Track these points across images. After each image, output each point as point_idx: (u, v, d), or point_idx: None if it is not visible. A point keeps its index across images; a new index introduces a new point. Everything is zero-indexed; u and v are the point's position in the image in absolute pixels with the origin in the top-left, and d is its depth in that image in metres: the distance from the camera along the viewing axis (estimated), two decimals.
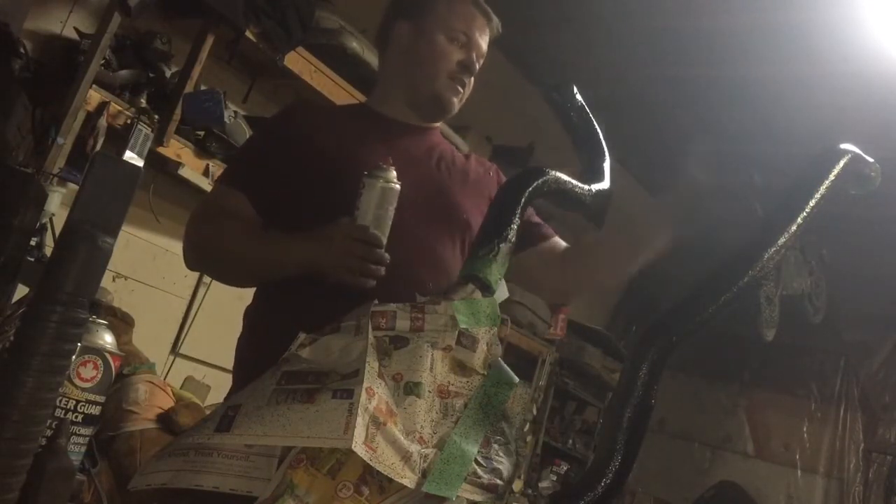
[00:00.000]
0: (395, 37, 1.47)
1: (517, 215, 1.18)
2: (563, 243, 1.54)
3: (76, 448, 1.75)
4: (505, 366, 1.09)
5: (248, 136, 2.56)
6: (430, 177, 1.40)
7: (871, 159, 1.28)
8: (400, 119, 1.46)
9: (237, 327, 1.39)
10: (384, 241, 1.18)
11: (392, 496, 0.94)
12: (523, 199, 1.19)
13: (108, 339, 1.90)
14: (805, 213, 1.18)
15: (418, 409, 0.99)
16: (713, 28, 3.62)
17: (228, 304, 2.79)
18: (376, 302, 1.08)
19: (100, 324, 1.91)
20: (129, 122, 2.41)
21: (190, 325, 2.96)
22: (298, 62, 2.81)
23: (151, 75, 2.54)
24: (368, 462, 0.90)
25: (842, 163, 1.24)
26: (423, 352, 1.03)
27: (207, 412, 1.46)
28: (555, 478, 4.46)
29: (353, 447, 0.88)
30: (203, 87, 2.65)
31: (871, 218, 4.23)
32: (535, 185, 1.22)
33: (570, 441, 4.82)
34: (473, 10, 1.46)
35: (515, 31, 1.52)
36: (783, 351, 5.20)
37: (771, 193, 1.26)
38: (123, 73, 2.44)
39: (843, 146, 1.27)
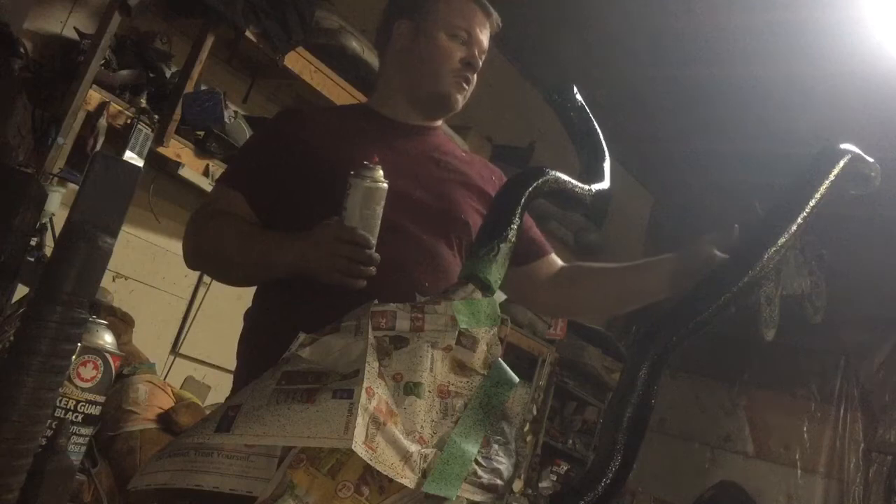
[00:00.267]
0: (395, 36, 1.47)
1: (517, 215, 1.17)
2: (558, 262, 1.53)
3: (76, 448, 1.75)
4: (505, 366, 1.09)
5: (248, 137, 2.55)
6: (430, 177, 1.39)
7: (871, 159, 1.29)
8: (401, 119, 1.46)
9: (237, 327, 1.39)
10: (373, 240, 1.17)
11: (392, 496, 0.94)
12: (523, 199, 1.19)
13: (108, 339, 1.90)
14: (805, 213, 1.18)
15: (418, 409, 0.99)
16: (713, 28, 3.62)
17: (228, 304, 2.79)
18: (376, 302, 1.08)
19: (100, 324, 1.91)
20: (129, 122, 2.41)
21: (190, 325, 2.96)
22: (298, 62, 2.81)
23: (151, 75, 2.54)
24: (368, 462, 0.90)
25: (842, 163, 1.24)
26: (423, 352, 1.03)
27: (207, 412, 1.46)
28: (555, 478, 4.46)
29: (353, 447, 0.88)
30: (203, 87, 2.65)
31: (871, 218, 4.23)
32: (535, 185, 1.22)
33: (570, 441, 4.82)
34: (473, 7, 1.45)
35: (515, 31, 1.52)
36: (783, 351, 5.20)
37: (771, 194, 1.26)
38: (123, 73, 2.44)
39: (843, 146, 1.27)
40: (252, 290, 1.41)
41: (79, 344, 1.62)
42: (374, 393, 0.95)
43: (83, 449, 1.80)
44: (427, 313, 1.06)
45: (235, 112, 2.74)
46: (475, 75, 1.46)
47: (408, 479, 0.92)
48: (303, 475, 0.93)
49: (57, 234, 1.54)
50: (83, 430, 1.77)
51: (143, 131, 2.42)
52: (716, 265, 1.22)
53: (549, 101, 1.52)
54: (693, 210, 5.28)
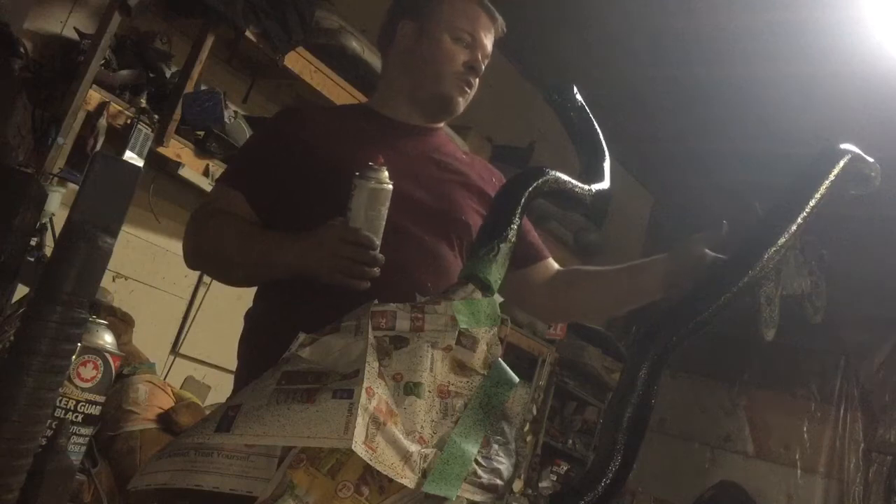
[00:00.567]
0: (398, 37, 1.46)
1: (517, 215, 1.17)
2: (555, 266, 1.53)
3: (76, 448, 1.75)
4: (505, 366, 1.09)
5: (248, 137, 2.55)
6: (431, 179, 1.39)
7: (871, 159, 1.28)
8: (402, 119, 1.45)
9: (237, 327, 1.39)
10: (377, 242, 1.17)
11: (392, 496, 0.94)
12: (523, 199, 1.19)
13: (108, 339, 1.90)
14: (805, 213, 1.18)
15: (418, 409, 0.99)
16: (713, 28, 3.62)
17: (228, 304, 2.79)
18: (376, 302, 1.08)
19: (100, 324, 1.91)
20: (129, 122, 2.41)
21: (190, 325, 2.96)
22: (298, 62, 2.81)
23: (151, 75, 2.54)
24: (368, 462, 0.90)
25: (842, 163, 1.24)
26: (423, 352, 1.03)
27: (207, 412, 1.46)
28: (555, 478, 4.46)
29: (353, 447, 0.88)
30: (203, 87, 2.65)
31: (871, 218, 4.23)
32: (535, 185, 1.22)
33: (570, 441, 4.82)
34: (478, 10, 1.45)
35: (515, 31, 1.52)
36: (783, 351, 5.20)
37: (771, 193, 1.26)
38: (123, 73, 2.44)
39: (843, 146, 1.27)
40: (252, 290, 1.41)
41: (79, 344, 1.62)
42: (374, 393, 0.95)
43: (83, 449, 1.80)
44: (427, 313, 1.06)
45: (235, 112, 2.74)
46: (478, 79, 1.45)
47: (408, 479, 0.92)
48: (303, 475, 0.93)
49: (57, 234, 1.54)
50: (83, 430, 1.77)
51: (143, 131, 2.42)
52: (708, 263, 1.22)
53: (549, 101, 1.52)
54: (693, 210, 5.28)
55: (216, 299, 2.96)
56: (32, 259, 1.78)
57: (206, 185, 2.61)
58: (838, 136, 1.32)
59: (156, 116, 2.48)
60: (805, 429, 5.50)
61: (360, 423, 0.90)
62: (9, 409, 0.98)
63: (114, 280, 2.69)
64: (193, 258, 1.36)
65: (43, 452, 1.39)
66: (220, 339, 2.73)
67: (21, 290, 1.65)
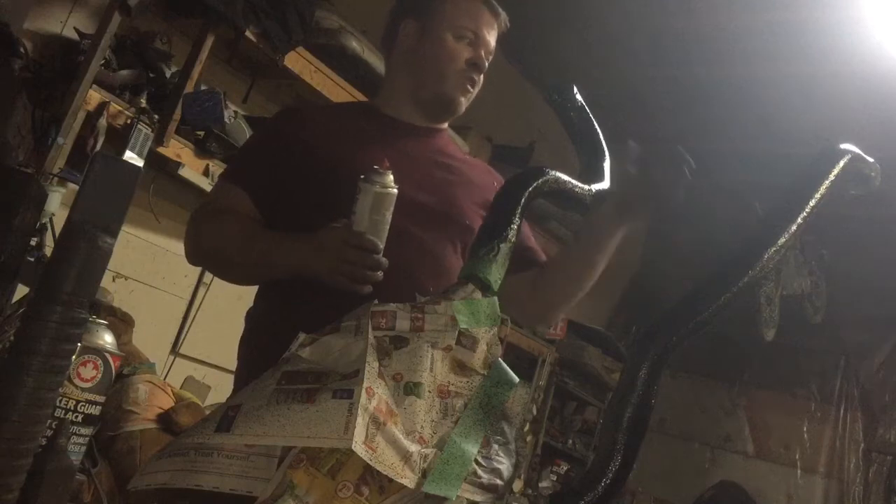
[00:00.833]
0: (401, 37, 1.45)
1: (517, 215, 1.17)
2: None
3: (76, 448, 1.75)
4: (505, 366, 1.09)
5: (248, 137, 2.55)
6: (433, 180, 1.39)
7: (871, 159, 1.28)
8: (406, 120, 1.45)
9: (237, 327, 1.39)
10: (381, 245, 1.16)
11: (392, 496, 0.94)
12: (523, 199, 1.19)
13: (108, 339, 1.90)
14: (805, 213, 1.18)
15: (418, 409, 0.99)
16: (713, 28, 3.62)
17: (228, 304, 2.79)
18: (376, 302, 1.08)
19: (100, 324, 1.91)
20: (129, 122, 2.41)
21: (190, 325, 2.96)
22: (298, 62, 2.81)
23: (151, 75, 2.54)
24: (368, 462, 0.90)
25: (842, 163, 1.24)
26: (423, 352, 1.03)
27: (207, 412, 1.46)
28: (555, 478, 4.46)
29: (353, 447, 0.88)
30: (203, 87, 2.65)
31: (871, 218, 4.23)
32: (535, 185, 1.22)
33: (570, 441, 4.82)
34: (480, 6, 1.44)
35: (515, 31, 1.51)
36: (783, 351, 5.19)
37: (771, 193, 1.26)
38: (123, 73, 2.44)
39: (843, 146, 1.27)
40: (253, 290, 1.41)
41: (79, 344, 1.62)
42: (374, 393, 0.95)
43: (83, 449, 1.80)
44: (427, 313, 1.06)
45: (235, 112, 2.74)
46: (482, 76, 1.45)
47: (408, 479, 0.92)
48: (303, 475, 0.93)
49: (57, 234, 1.54)
50: (83, 430, 1.77)
51: (143, 131, 2.42)
52: (637, 174, 1.22)
53: (549, 101, 1.52)
54: (693, 210, 5.28)
55: (216, 299, 2.96)
56: (32, 259, 1.78)
57: (206, 185, 2.61)
58: (838, 136, 1.32)
59: (156, 116, 2.48)
60: (805, 429, 5.50)
61: (360, 423, 0.90)
62: (9, 409, 0.98)
63: (114, 280, 2.69)
64: (195, 255, 1.36)
65: (43, 452, 1.39)
66: (220, 339, 2.72)
67: (21, 290, 1.65)
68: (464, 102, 1.44)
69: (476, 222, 1.39)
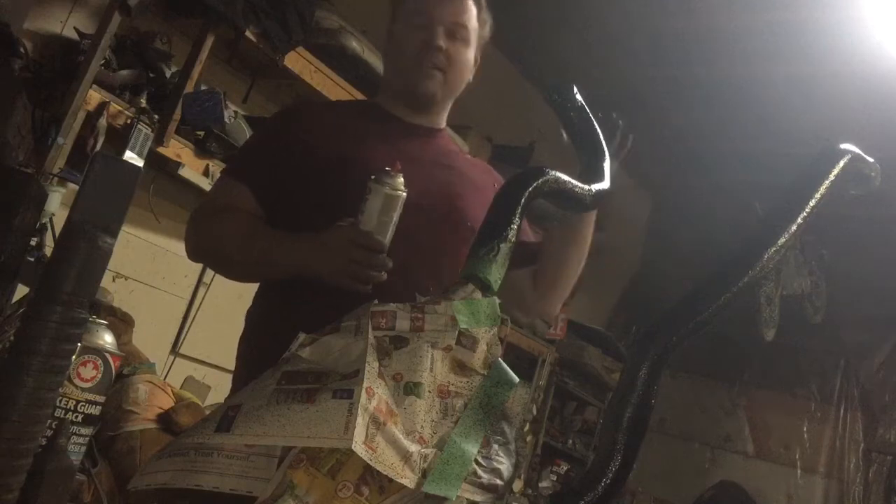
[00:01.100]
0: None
1: (517, 215, 1.17)
2: None
3: (76, 448, 1.75)
4: (505, 366, 1.09)
5: (248, 137, 2.55)
6: (436, 182, 1.39)
7: (870, 159, 1.28)
8: (405, 119, 1.45)
9: (237, 327, 1.39)
10: (387, 245, 1.16)
11: (392, 496, 0.94)
12: (523, 199, 1.19)
13: (108, 339, 1.90)
14: (805, 213, 1.18)
15: (418, 409, 0.99)
16: (713, 28, 3.62)
17: (228, 304, 2.79)
18: (376, 302, 1.08)
19: (100, 324, 1.91)
20: (129, 122, 2.41)
21: (190, 325, 2.96)
22: (298, 62, 2.81)
23: (151, 75, 2.54)
24: (368, 462, 0.90)
25: (842, 163, 1.24)
26: (423, 352, 1.03)
27: (207, 412, 1.46)
28: (555, 478, 4.46)
29: (353, 447, 0.88)
30: (203, 87, 2.65)
31: (871, 218, 4.23)
32: (535, 185, 1.22)
33: (570, 441, 4.82)
34: None
35: (515, 31, 1.51)
36: (783, 351, 5.19)
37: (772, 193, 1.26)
38: (123, 73, 2.45)
39: (843, 146, 1.27)
40: (253, 289, 1.41)
41: (79, 344, 1.62)
42: (374, 393, 0.95)
43: (83, 449, 1.80)
44: (427, 313, 1.06)
45: (235, 112, 2.74)
46: (446, 56, 1.39)
47: (408, 479, 0.92)
48: (303, 475, 0.93)
49: (57, 234, 1.54)
50: (83, 430, 1.77)
51: (143, 131, 2.43)
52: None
53: (549, 101, 1.52)
54: (693, 210, 5.28)
55: (216, 299, 2.96)
56: (32, 259, 1.78)
57: (206, 185, 2.61)
58: (838, 136, 1.32)
59: (156, 116, 2.48)
60: (805, 429, 5.50)
61: (360, 423, 0.90)
62: (9, 409, 0.98)
63: (114, 280, 2.69)
64: (196, 252, 1.36)
65: (43, 452, 1.39)
66: (220, 339, 2.72)
67: (21, 290, 1.65)
68: (434, 86, 1.41)
69: (477, 223, 1.39)
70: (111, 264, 1.35)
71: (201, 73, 2.59)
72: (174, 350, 2.94)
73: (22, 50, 2.23)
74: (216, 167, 2.65)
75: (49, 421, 1.47)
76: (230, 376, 1.38)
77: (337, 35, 2.89)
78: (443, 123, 1.52)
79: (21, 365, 1.00)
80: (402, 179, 1.17)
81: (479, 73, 1.52)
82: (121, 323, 2.34)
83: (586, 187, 1.35)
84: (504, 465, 1.01)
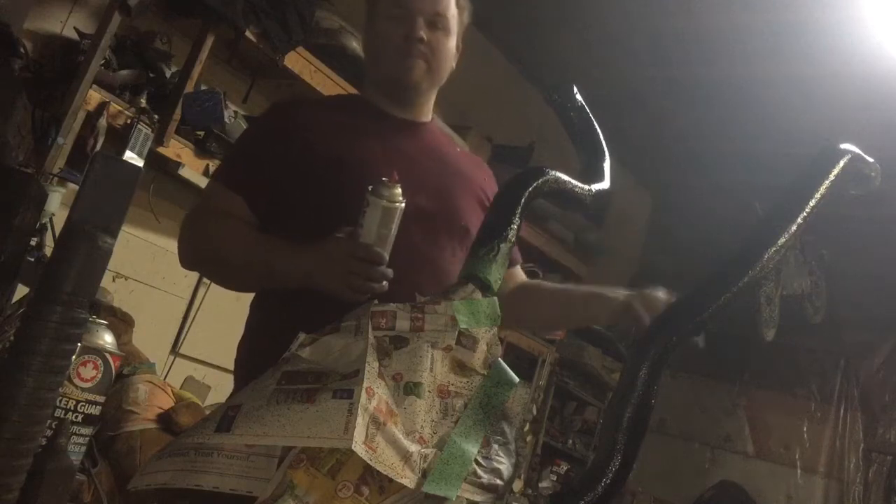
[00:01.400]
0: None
1: (517, 215, 1.18)
2: (521, 275, 1.55)
3: (76, 448, 1.75)
4: (505, 366, 1.09)
5: (241, 133, 2.53)
6: (429, 180, 1.37)
7: (871, 159, 1.29)
8: (393, 113, 1.43)
9: (237, 327, 1.39)
10: (387, 257, 1.15)
11: (392, 496, 0.94)
12: (523, 199, 1.19)
13: (108, 339, 1.90)
14: (805, 213, 1.18)
15: (418, 409, 0.99)
16: (713, 28, 3.62)
17: (228, 304, 2.78)
18: (376, 302, 1.08)
19: (100, 324, 1.91)
20: (129, 122, 2.41)
21: (190, 325, 2.96)
22: (298, 62, 2.81)
23: (151, 75, 2.54)
24: (368, 462, 0.90)
25: (842, 163, 1.24)
26: (423, 352, 1.03)
27: (207, 412, 1.46)
28: (555, 478, 4.46)
29: (353, 447, 0.88)
30: (203, 87, 2.65)
31: (871, 218, 4.23)
32: (535, 184, 1.22)
33: (570, 441, 4.82)
34: None
35: (515, 31, 1.51)
36: (783, 351, 5.19)
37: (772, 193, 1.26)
38: (123, 73, 2.44)
39: (843, 146, 1.27)
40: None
41: (79, 344, 1.62)
42: (374, 393, 0.95)
43: (83, 449, 1.80)
44: (427, 313, 1.06)
45: (235, 112, 2.74)
46: (428, 47, 1.38)
47: (408, 479, 0.92)
48: (303, 475, 0.93)
49: (57, 234, 1.54)
50: (83, 430, 1.77)
51: (143, 131, 2.42)
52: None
53: (549, 101, 1.52)
54: (693, 210, 5.28)
55: (216, 299, 2.96)
56: (32, 259, 1.78)
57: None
58: (838, 136, 1.32)
59: (156, 116, 2.48)
60: (805, 429, 5.50)
61: (360, 423, 0.90)
62: (9, 409, 0.98)
63: (114, 280, 2.69)
64: (191, 260, 1.34)
65: (43, 452, 1.39)
66: (220, 339, 2.72)
67: (21, 290, 1.65)
68: (418, 78, 1.40)
69: (472, 223, 1.38)
70: (111, 264, 1.35)
71: (201, 73, 2.59)
72: (174, 350, 2.94)
73: (22, 50, 2.23)
74: (216, 167, 2.65)
75: (49, 421, 1.47)
76: (230, 376, 1.38)
77: (337, 35, 2.89)
78: (429, 116, 1.50)
79: (21, 365, 1.00)
80: (399, 190, 1.15)
81: (461, 60, 1.51)
82: (121, 323, 2.34)
83: (586, 187, 1.35)
84: (504, 465, 1.01)
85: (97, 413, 1.82)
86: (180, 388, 2.62)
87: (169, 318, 2.93)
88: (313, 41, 2.83)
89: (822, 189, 1.20)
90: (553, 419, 4.79)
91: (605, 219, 4.68)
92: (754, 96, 4.02)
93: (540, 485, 4.35)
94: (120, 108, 2.40)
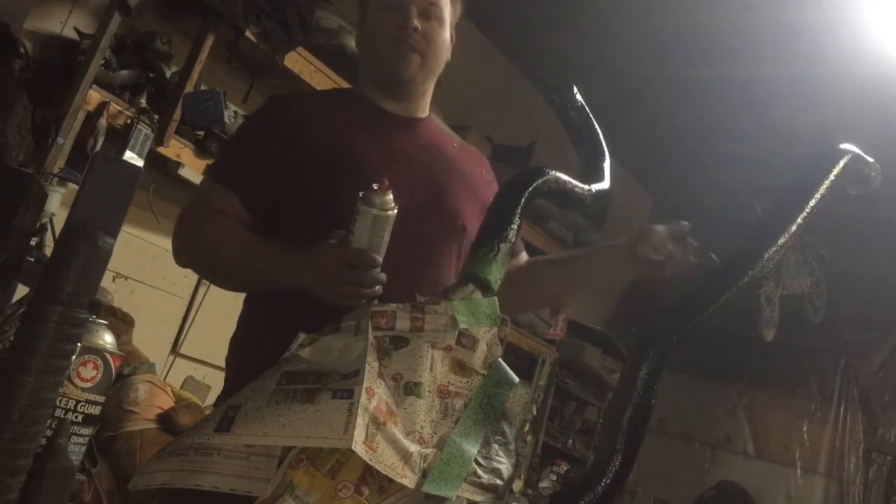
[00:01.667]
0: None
1: (517, 215, 1.18)
2: (523, 259, 1.54)
3: (76, 448, 1.75)
4: (505, 366, 1.09)
5: (236, 129, 2.52)
6: (427, 178, 1.36)
7: (871, 159, 1.29)
8: (387, 108, 1.42)
9: None
10: (380, 261, 1.13)
11: (392, 496, 0.94)
12: (524, 199, 1.19)
13: (108, 339, 1.90)
14: (805, 213, 1.18)
15: (418, 409, 0.99)
16: (713, 28, 3.62)
17: (228, 304, 2.77)
18: (376, 302, 1.08)
19: (100, 324, 1.91)
20: (129, 122, 2.41)
21: (190, 325, 2.96)
22: (298, 62, 2.81)
23: (151, 75, 2.54)
24: (368, 462, 0.90)
25: (842, 163, 1.24)
26: (423, 352, 1.03)
27: (207, 412, 1.46)
28: (555, 478, 4.46)
29: (353, 447, 0.88)
30: (203, 87, 2.65)
31: (871, 218, 4.23)
32: (535, 184, 1.22)
33: (570, 441, 4.82)
34: None
35: (515, 30, 1.51)
36: (783, 351, 5.19)
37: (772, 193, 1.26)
38: (123, 73, 2.45)
39: (844, 146, 1.27)
40: None
41: (79, 344, 1.62)
42: (374, 393, 0.95)
43: (83, 449, 1.80)
44: (427, 313, 1.06)
45: (235, 112, 2.75)
46: (422, 36, 1.37)
47: (408, 479, 0.92)
48: (303, 475, 0.93)
49: (57, 234, 1.54)
50: (83, 430, 1.77)
51: (143, 131, 2.43)
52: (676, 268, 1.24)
53: (549, 101, 1.51)
54: (693, 210, 5.28)
55: (216, 299, 2.96)
56: (32, 259, 1.78)
57: None
58: (838, 136, 1.32)
59: (156, 116, 2.48)
60: (805, 429, 5.50)
61: (360, 423, 0.90)
62: (9, 409, 0.98)
63: (114, 280, 2.69)
64: (185, 260, 1.32)
65: (43, 452, 1.40)
66: (220, 339, 2.71)
67: (21, 290, 1.65)
68: (413, 68, 1.38)
69: (471, 221, 1.37)
70: (111, 264, 1.35)
71: (201, 73, 2.59)
72: (174, 350, 2.94)
73: (22, 50, 2.23)
74: (211, 163, 2.65)
75: (49, 421, 1.47)
76: None
77: (337, 35, 2.89)
78: (427, 111, 1.49)
79: (21, 365, 1.00)
80: (390, 196, 1.12)
81: (459, 56, 1.50)
82: (121, 323, 2.34)
83: (586, 187, 1.35)
84: (504, 465, 1.01)
85: (97, 413, 1.82)
86: (180, 388, 2.62)
87: (169, 318, 2.93)
88: (313, 41, 2.83)
89: (823, 189, 1.20)
90: (553, 419, 4.79)
91: (605, 219, 4.68)
92: (754, 96, 4.02)
93: (540, 485, 4.35)
94: (120, 108, 2.40)
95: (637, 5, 3.62)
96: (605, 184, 1.41)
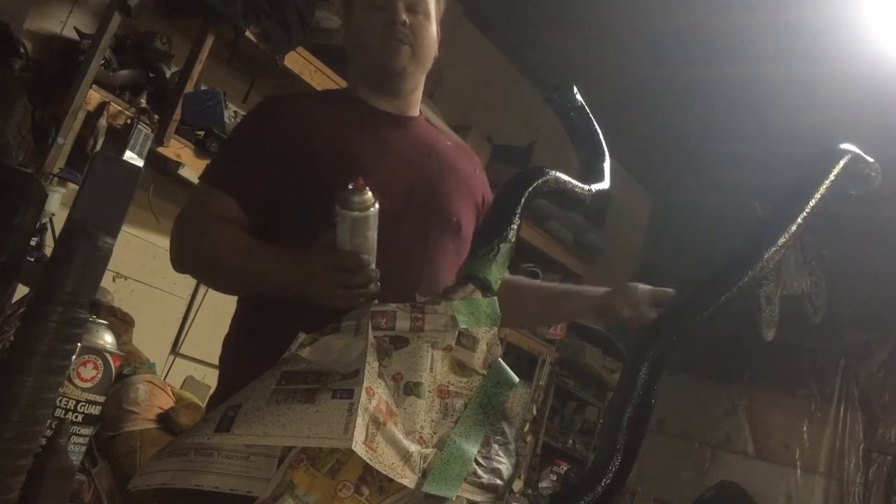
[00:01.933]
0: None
1: (517, 215, 1.18)
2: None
3: (76, 448, 1.75)
4: (505, 366, 1.09)
5: (231, 131, 2.50)
6: (420, 177, 1.36)
7: (871, 159, 1.29)
8: (379, 107, 1.42)
9: None
10: (370, 259, 1.10)
11: (392, 496, 0.94)
12: (524, 199, 1.19)
13: (108, 339, 1.90)
14: (805, 213, 1.18)
15: (418, 409, 0.99)
16: (714, 28, 3.62)
17: (228, 304, 2.78)
18: (376, 302, 1.08)
19: (100, 324, 1.91)
20: (129, 122, 2.41)
21: (190, 325, 2.96)
22: (298, 62, 2.81)
23: (151, 75, 2.54)
24: (368, 462, 0.90)
25: (842, 163, 1.24)
26: (423, 352, 1.03)
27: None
28: (555, 478, 4.46)
29: (353, 447, 0.88)
30: (203, 87, 2.65)
31: (871, 218, 4.23)
32: (535, 184, 1.22)
33: (570, 441, 4.82)
34: None
35: (515, 30, 1.51)
36: (783, 351, 5.19)
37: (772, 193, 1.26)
38: (123, 73, 2.45)
39: (844, 146, 1.27)
40: None
41: (79, 344, 1.62)
42: (374, 393, 0.95)
43: (83, 449, 1.80)
44: (427, 313, 1.06)
45: (235, 112, 2.74)
46: (410, 30, 1.37)
47: (408, 479, 0.92)
48: (303, 475, 0.93)
49: (57, 234, 1.54)
50: (83, 430, 1.77)
51: (143, 131, 2.43)
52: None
53: (549, 101, 1.52)
54: (693, 210, 5.28)
55: (216, 299, 2.95)
56: (32, 259, 1.78)
57: None
58: (838, 136, 1.32)
59: (156, 116, 2.48)
60: (805, 429, 5.50)
61: (360, 423, 0.90)
62: (9, 409, 0.98)
63: (114, 280, 2.69)
64: (182, 264, 1.31)
65: (43, 452, 1.40)
66: (220, 339, 2.72)
67: (21, 290, 1.65)
68: (403, 61, 1.38)
69: (466, 220, 1.37)
70: (111, 264, 1.35)
71: (201, 73, 2.59)
72: (174, 350, 2.94)
73: (22, 50, 2.23)
74: (206, 166, 2.65)
75: (49, 421, 1.47)
76: None
77: (337, 35, 2.89)
78: (418, 110, 1.48)
79: (21, 365, 1.00)
80: (368, 195, 1.08)
81: (455, 52, 1.49)
82: (121, 323, 2.34)
83: (586, 187, 1.35)
84: (504, 465, 1.01)
85: (97, 413, 1.83)
86: (180, 388, 2.62)
87: (169, 318, 2.93)
88: (313, 41, 2.83)
89: (823, 189, 1.20)
90: (553, 419, 4.80)
91: (605, 219, 4.68)
92: (754, 96, 4.02)
93: (540, 485, 4.35)
94: (120, 108, 2.40)
95: (637, 5, 3.62)
96: (604, 184, 1.41)
